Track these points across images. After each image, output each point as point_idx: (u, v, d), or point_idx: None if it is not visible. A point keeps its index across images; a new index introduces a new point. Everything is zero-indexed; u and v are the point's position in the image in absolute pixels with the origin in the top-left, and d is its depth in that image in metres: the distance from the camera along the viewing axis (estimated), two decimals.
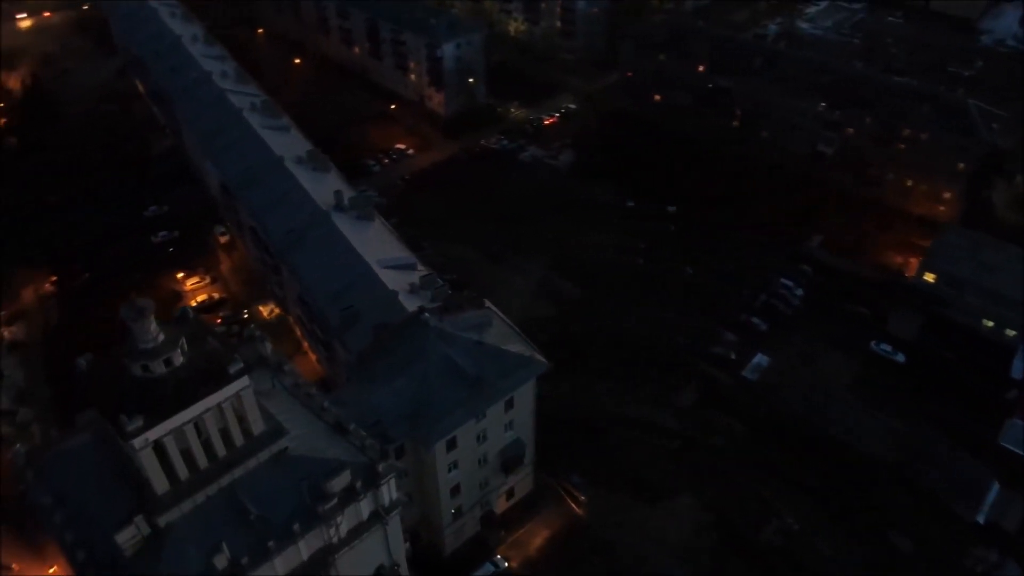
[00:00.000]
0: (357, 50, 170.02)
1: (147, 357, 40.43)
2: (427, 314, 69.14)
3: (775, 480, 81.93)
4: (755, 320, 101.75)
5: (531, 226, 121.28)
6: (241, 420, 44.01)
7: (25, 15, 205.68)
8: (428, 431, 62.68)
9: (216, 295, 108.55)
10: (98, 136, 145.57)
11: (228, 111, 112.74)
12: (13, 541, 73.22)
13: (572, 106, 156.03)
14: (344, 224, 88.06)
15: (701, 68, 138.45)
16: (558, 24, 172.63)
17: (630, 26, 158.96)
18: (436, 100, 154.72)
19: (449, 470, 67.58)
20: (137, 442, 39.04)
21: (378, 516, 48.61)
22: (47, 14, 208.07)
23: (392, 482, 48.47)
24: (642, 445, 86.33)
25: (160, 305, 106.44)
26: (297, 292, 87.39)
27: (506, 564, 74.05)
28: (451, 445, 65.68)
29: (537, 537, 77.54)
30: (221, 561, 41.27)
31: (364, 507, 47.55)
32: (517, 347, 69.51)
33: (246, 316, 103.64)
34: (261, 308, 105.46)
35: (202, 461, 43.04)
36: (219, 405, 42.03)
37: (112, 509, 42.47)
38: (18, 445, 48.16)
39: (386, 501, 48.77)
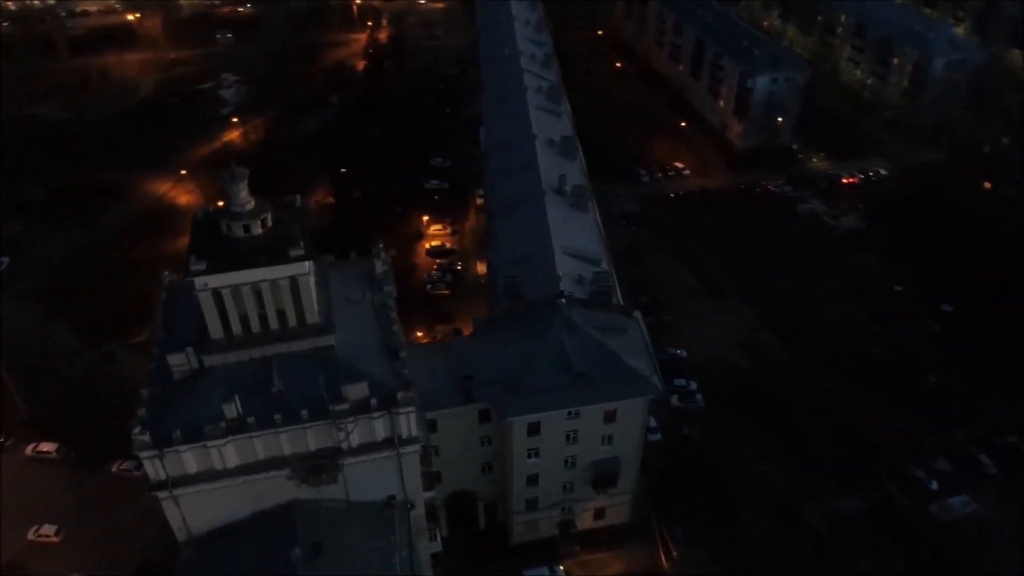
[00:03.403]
0: (681, 67, 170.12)
1: (231, 219, 46.60)
2: (563, 300, 68.27)
3: None
4: (984, 459, 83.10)
5: (771, 275, 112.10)
6: (297, 306, 48.45)
7: None
8: (510, 402, 62.37)
9: (448, 245, 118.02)
10: (429, 92, 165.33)
11: (517, 87, 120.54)
12: None
13: (882, 172, 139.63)
14: (554, 206, 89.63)
15: None
16: (905, 83, 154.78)
17: (989, 99, 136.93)
18: (735, 130, 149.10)
19: (528, 455, 66.44)
20: (197, 282, 45.37)
21: (392, 443, 50.04)
22: None
23: (412, 417, 49.43)
24: (772, 532, 76.21)
25: (398, 238, 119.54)
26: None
27: None
28: (534, 430, 64.50)
29: (609, 570, 72.89)
30: (230, 410, 46.15)
31: (378, 427, 49.19)
32: (639, 364, 65.45)
33: (459, 268, 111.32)
34: (479, 265, 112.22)
35: (255, 327, 48.29)
36: (276, 281, 46.80)
37: (186, 340, 49.76)
38: (166, 272, 58.50)
39: (403, 433, 49.92)
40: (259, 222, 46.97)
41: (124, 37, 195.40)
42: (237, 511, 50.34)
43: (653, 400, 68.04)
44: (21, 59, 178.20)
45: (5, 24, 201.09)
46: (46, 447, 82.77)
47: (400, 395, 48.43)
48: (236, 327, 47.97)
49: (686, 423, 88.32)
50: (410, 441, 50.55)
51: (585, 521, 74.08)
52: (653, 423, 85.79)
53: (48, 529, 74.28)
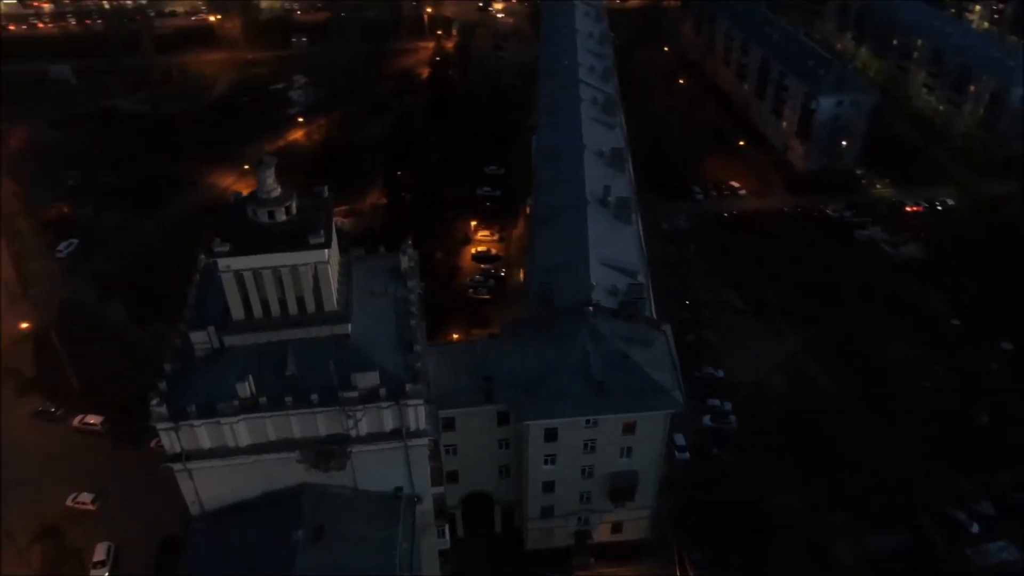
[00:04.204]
0: (746, 86, 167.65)
1: (257, 204, 48.33)
2: (591, 308, 67.99)
3: None
4: None
5: (821, 301, 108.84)
6: (316, 293, 49.72)
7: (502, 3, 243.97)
8: (527, 405, 62.35)
9: (493, 251, 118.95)
10: (490, 102, 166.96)
11: (572, 97, 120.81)
12: None
13: (949, 201, 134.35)
14: (595, 216, 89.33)
15: None
16: (980, 111, 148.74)
17: None
18: (797, 152, 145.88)
19: (545, 462, 66.19)
20: (220, 263, 47.14)
21: (400, 435, 50.69)
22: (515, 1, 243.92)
23: (420, 410, 50.02)
24: (796, 563, 73.75)
25: (446, 241, 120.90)
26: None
27: None
28: (551, 436, 64.27)
29: None
30: (243, 389, 47.62)
31: (387, 417, 49.95)
32: (662, 377, 64.55)
33: (503, 274, 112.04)
34: (521, 272, 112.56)
35: (275, 311, 49.83)
36: (296, 267, 48.18)
37: (211, 320, 51.62)
38: (202, 255, 60.74)
39: (411, 425, 50.53)
40: (283, 209, 48.54)
41: (205, 37, 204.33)
42: (248, 490, 51.88)
43: (677, 416, 66.95)
44: (110, 54, 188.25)
45: (99, 21, 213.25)
46: (92, 419, 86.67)
47: (409, 387, 49.08)
48: (257, 310, 49.61)
49: (717, 444, 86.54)
50: (418, 434, 51.17)
51: (602, 533, 73.25)
52: (682, 441, 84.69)
53: (85, 497, 77.69)
